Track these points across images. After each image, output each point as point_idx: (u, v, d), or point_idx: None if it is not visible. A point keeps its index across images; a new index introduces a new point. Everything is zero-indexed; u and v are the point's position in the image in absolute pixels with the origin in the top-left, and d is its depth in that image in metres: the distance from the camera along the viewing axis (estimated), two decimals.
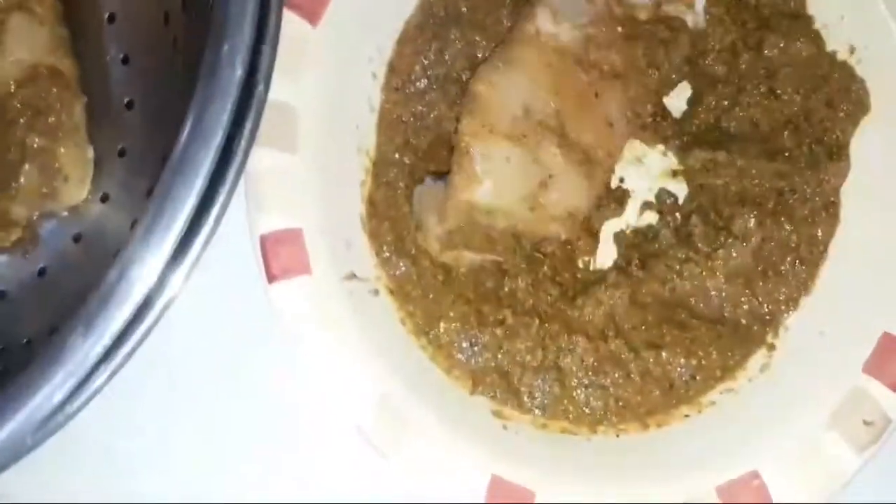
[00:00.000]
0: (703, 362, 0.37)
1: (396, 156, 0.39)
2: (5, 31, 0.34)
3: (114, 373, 0.27)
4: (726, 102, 0.38)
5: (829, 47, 0.39)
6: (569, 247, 0.38)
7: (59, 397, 0.25)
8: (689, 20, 0.39)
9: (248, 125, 0.28)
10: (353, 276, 0.36)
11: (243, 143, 0.28)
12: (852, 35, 0.39)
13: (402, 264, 0.38)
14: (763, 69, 0.38)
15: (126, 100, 0.37)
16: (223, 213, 0.29)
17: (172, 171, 0.29)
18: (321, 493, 0.37)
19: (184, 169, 0.28)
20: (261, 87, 0.28)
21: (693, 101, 0.39)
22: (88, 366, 0.25)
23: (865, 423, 0.35)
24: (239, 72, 0.27)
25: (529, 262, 0.38)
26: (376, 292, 0.37)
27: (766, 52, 0.38)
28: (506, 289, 0.38)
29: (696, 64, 0.39)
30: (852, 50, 0.39)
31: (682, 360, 0.37)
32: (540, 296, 0.38)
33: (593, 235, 0.39)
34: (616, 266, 0.39)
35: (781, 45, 0.38)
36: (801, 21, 0.39)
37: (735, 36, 0.39)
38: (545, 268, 0.38)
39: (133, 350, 0.28)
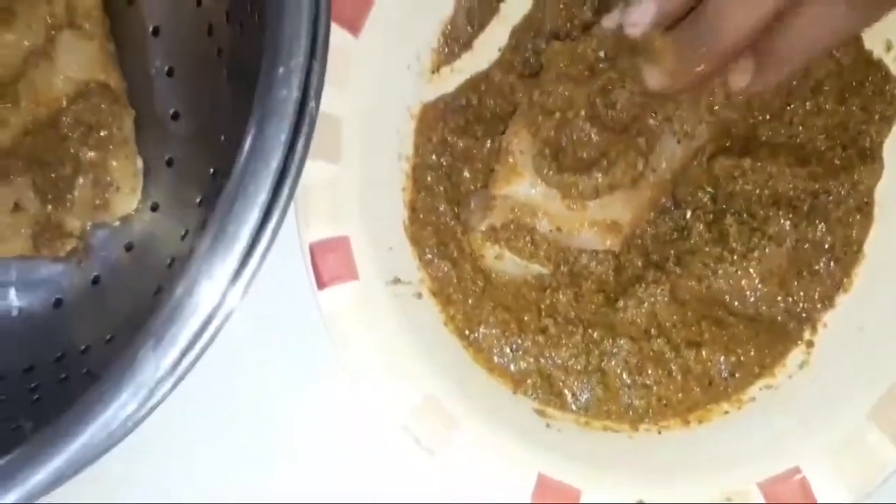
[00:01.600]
0: (742, 359, 0.38)
1: (434, 158, 0.39)
2: (56, 49, 0.35)
3: (178, 382, 0.28)
4: (768, 116, 0.39)
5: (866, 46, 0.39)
6: (616, 259, 0.39)
7: (130, 408, 0.26)
8: None
9: (302, 141, 0.29)
10: (397, 280, 0.37)
11: (297, 159, 0.29)
12: (889, 30, 0.39)
13: (444, 266, 0.39)
14: (812, 84, 0.39)
15: (172, 111, 0.38)
16: (279, 227, 0.30)
17: (235, 187, 0.29)
18: (368, 494, 0.38)
19: (247, 186, 0.29)
20: (313, 104, 0.29)
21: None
22: (158, 377, 0.26)
23: None
24: (295, 93, 0.28)
25: (573, 277, 0.39)
26: (420, 295, 0.38)
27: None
28: (547, 301, 0.38)
29: None
30: (889, 46, 0.39)
31: (722, 358, 0.38)
32: (583, 306, 0.38)
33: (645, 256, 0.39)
34: (652, 263, 0.39)
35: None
36: None
37: None
38: (589, 282, 0.39)
39: (196, 360, 0.29)
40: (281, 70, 0.28)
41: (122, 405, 0.26)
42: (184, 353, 0.28)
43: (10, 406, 0.33)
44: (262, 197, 0.29)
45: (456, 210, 0.39)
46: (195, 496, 0.38)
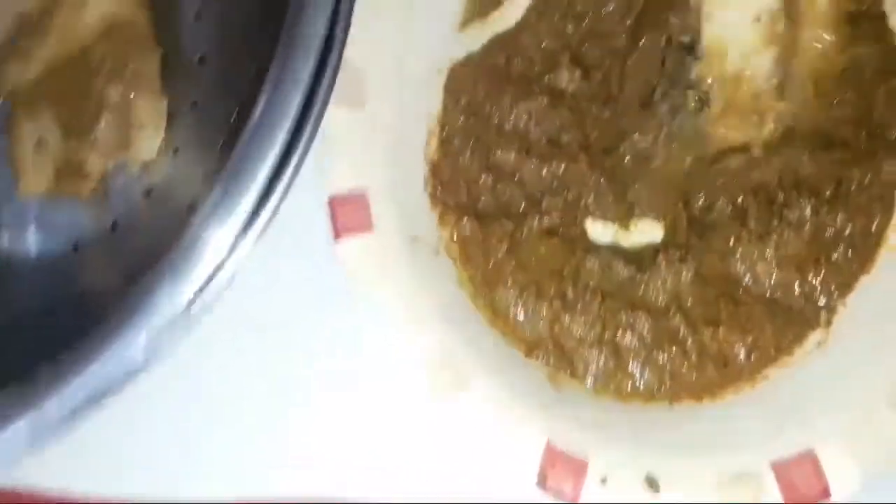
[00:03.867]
0: (759, 340, 0.37)
1: (462, 119, 0.39)
2: None
3: (193, 324, 0.28)
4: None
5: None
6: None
7: (143, 343, 0.26)
8: None
9: (326, 81, 0.29)
10: (415, 238, 0.37)
11: (320, 100, 0.29)
12: None
13: (464, 224, 0.38)
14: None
15: (199, 55, 0.38)
16: (297, 174, 0.30)
17: (254, 126, 0.29)
18: (378, 441, 0.38)
19: (265, 125, 0.29)
20: (339, 40, 0.29)
21: None
22: (174, 313, 0.26)
23: None
24: (322, 31, 0.28)
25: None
26: (437, 252, 0.37)
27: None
28: (573, 264, 0.38)
29: None
30: None
31: (738, 339, 0.37)
32: (607, 277, 0.38)
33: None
34: (669, 237, 0.39)
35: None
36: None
37: None
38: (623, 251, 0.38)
39: (210, 305, 0.29)
40: (308, 9, 0.28)
41: (135, 337, 0.26)
42: (197, 294, 0.29)
43: (28, 350, 0.33)
44: (281, 136, 0.29)
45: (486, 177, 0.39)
46: (212, 444, 0.38)
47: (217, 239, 0.29)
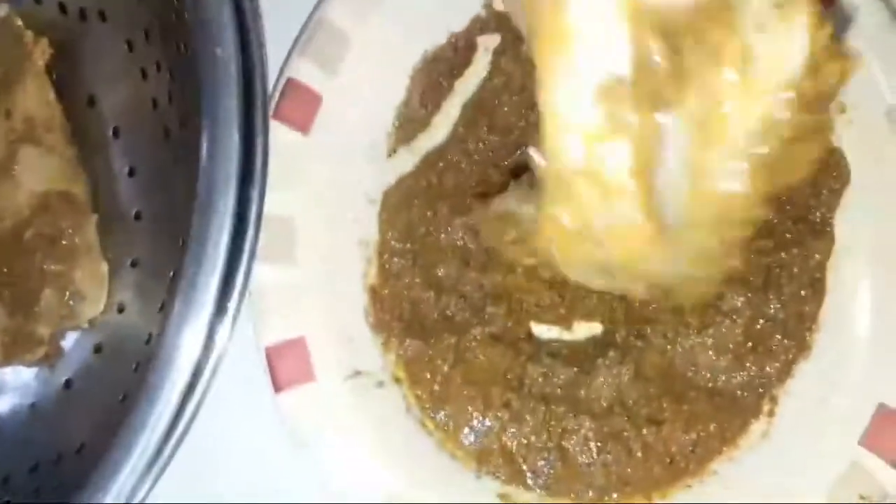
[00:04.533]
0: (702, 434, 0.38)
1: (399, 244, 0.40)
2: (15, 165, 0.36)
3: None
4: None
5: None
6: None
7: None
8: None
9: (243, 265, 0.30)
10: (357, 372, 0.38)
11: (242, 271, 0.30)
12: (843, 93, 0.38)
13: (413, 345, 0.39)
14: None
15: (134, 210, 0.39)
16: (234, 325, 0.31)
17: (182, 301, 0.31)
18: None
19: (192, 299, 0.30)
20: (251, 233, 0.30)
21: None
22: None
23: (862, 497, 0.35)
24: (230, 210, 0.29)
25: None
26: (381, 384, 0.38)
27: None
28: (517, 371, 0.39)
29: None
30: (843, 109, 0.39)
31: (682, 435, 0.38)
32: (550, 381, 0.39)
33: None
34: (609, 333, 0.40)
35: None
36: None
37: None
38: (565, 351, 0.39)
39: (163, 469, 0.30)
40: (215, 199, 0.29)
41: None
42: (150, 464, 0.30)
43: None
44: (208, 309, 0.30)
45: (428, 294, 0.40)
46: None
47: (163, 410, 0.30)
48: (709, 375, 0.39)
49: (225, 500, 0.38)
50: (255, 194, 0.31)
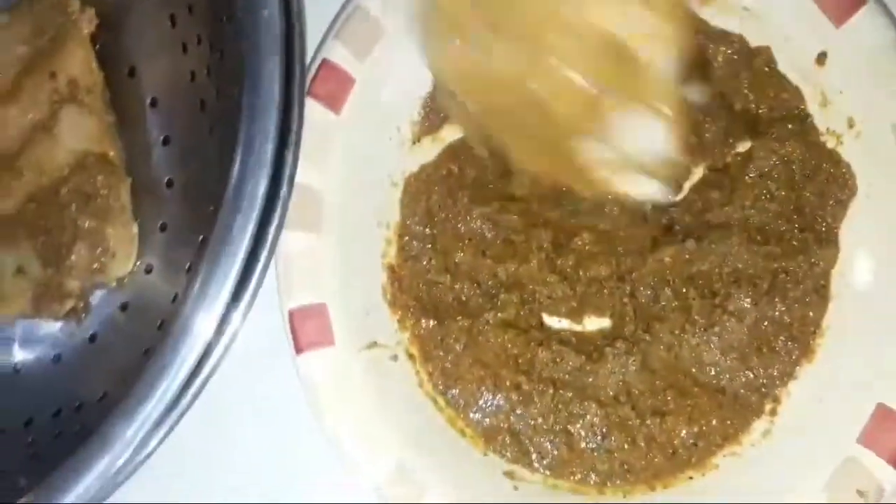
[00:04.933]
0: (704, 429, 0.39)
1: (419, 228, 0.41)
2: (58, 123, 0.38)
3: (163, 439, 0.31)
4: (715, 199, 0.40)
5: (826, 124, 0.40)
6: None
7: (119, 464, 0.30)
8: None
9: (272, 230, 0.32)
10: (374, 344, 0.39)
11: (269, 243, 0.31)
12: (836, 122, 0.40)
13: (427, 324, 0.40)
14: (754, 173, 0.40)
15: (167, 178, 0.40)
16: (258, 289, 0.33)
17: (212, 256, 0.32)
18: None
19: (219, 262, 0.31)
20: (284, 191, 0.31)
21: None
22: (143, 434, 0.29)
23: (859, 493, 0.36)
24: (262, 187, 0.30)
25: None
26: (395, 357, 0.40)
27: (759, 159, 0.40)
28: (528, 356, 0.40)
29: None
30: (851, 123, 0.40)
31: (685, 428, 0.39)
32: (559, 366, 0.40)
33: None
34: (618, 327, 0.41)
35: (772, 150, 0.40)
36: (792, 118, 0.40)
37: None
38: (574, 340, 0.41)
39: (180, 417, 0.31)
40: (251, 159, 0.31)
41: (111, 462, 0.29)
42: (168, 410, 0.31)
43: (7, 461, 0.35)
44: (236, 270, 0.32)
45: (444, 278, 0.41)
46: None
47: (187, 358, 0.32)
48: (713, 373, 0.40)
49: (239, 456, 0.39)
50: (290, 157, 0.32)
